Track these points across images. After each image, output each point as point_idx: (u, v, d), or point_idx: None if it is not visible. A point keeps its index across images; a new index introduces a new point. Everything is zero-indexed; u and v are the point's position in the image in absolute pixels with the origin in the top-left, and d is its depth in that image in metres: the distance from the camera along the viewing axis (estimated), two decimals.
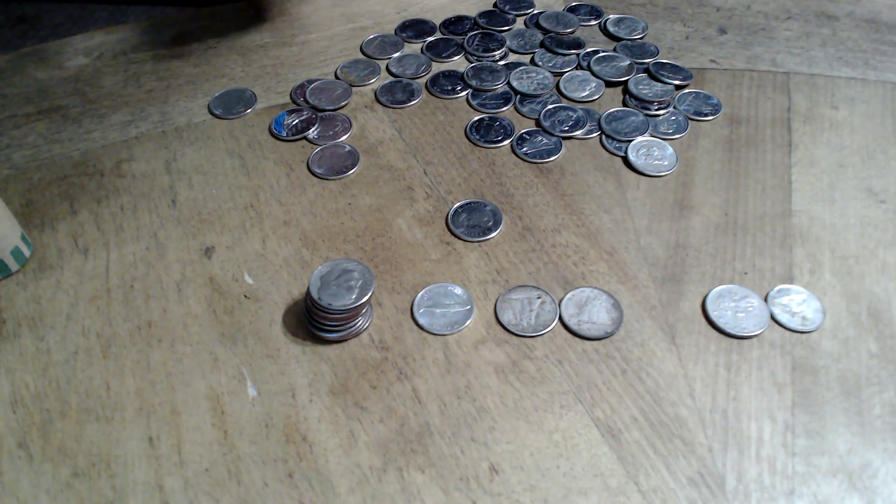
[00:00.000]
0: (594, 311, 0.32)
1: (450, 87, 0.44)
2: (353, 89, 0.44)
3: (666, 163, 0.39)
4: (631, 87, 0.43)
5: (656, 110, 0.42)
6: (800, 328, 0.31)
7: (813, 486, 0.26)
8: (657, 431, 0.28)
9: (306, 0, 0.51)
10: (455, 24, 0.49)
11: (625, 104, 0.43)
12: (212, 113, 0.42)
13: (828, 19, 0.50)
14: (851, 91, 0.44)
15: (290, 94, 0.43)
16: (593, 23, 0.50)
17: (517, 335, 0.31)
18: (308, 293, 0.30)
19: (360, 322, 0.31)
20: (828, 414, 0.29)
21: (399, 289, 0.33)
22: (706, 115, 0.42)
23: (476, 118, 0.42)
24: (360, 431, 0.28)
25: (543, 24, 0.49)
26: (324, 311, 0.29)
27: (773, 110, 0.42)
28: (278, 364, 0.30)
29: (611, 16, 0.50)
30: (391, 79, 0.45)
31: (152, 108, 0.42)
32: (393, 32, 0.48)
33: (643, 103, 0.42)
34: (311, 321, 0.30)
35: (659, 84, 0.43)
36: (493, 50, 0.46)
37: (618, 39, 0.48)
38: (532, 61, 0.46)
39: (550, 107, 0.42)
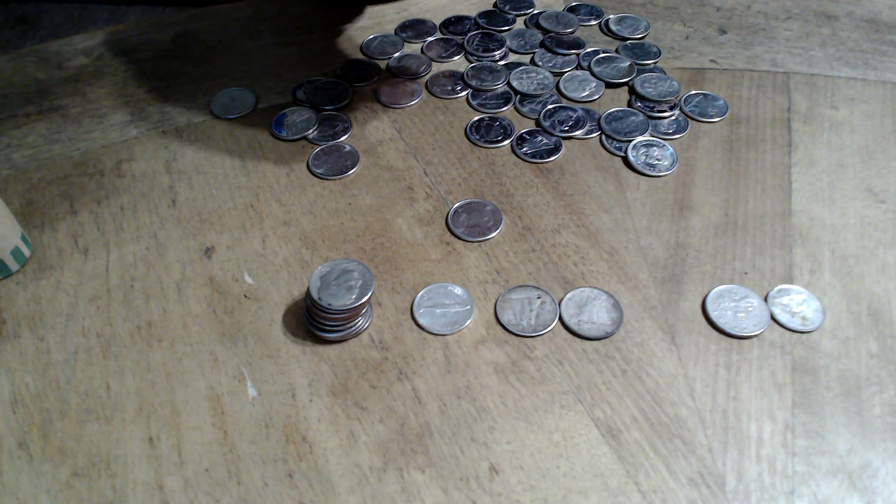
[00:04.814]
0: (594, 311, 0.32)
1: (450, 87, 0.44)
2: (354, 89, 0.44)
3: (666, 163, 0.39)
4: (637, 86, 0.43)
5: (661, 111, 0.42)
6: (800, 328, 0.31)
7: (813, 486, 0.26)
8: (657, 431, 0.28)
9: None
10: (455, 24, 0.49)
11: (629, 105, 0.43)
12: (212, 113, 0.42)
13: (828, 19, 0.50)
14: (851, 91, 0.44)
15: (291, 94, 0.43)
16: (593, 23, 0.50)
17: (517, 335, 0.31)
18: (308, 293, 0.30)
19: (360, 322, 0.31)
20: (828, 414, 0.29)
21: (399, 289, 0.33)
22: (712, 116, 0.42)
23: (476, 118, 0.42)
24: (360, 431, 0.28)
25: (543, 24, 0.49)
26: (324, 311, 0.29)
27: (773, 110, 0.42)
28: (278, 364, 0.30)
29: (611, 16, 0.50)
30: (391, 79, 0.45)
31: (152, 108, 0.42)
32: (393, 32, 0.48)
33: (648, 103, 0.42)
34: (311, 321, 0.30)
35: (664, 82, 0.43)
36: (493, 50, 0.46)
37: (620, 38, 0.48)
38: (532, 61, 0.46)
39: (550, 107, 0.42)
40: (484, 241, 0.35)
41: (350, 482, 0.26)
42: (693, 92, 0.43)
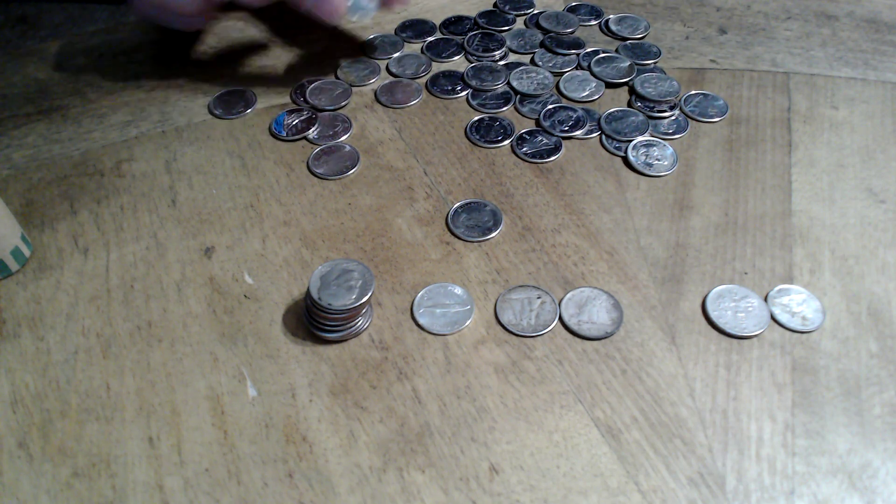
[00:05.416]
0: (594, 311, 0.32)
1: (450, 87, 0.44)
2: (353, 89, 0.44)
3: (666, 163, 0.39)
4: (637, 86, 0.43)
5: (661, 111, 0.42)
6: (800, 328, 0.31)
7: (813, 486, 0.26)
8: (657, 431, 0.28)
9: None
10: (455, 24, 0.49)
11: (630, 105, 0.43)
12: (212, 113, 0.42)
13: (828, 19, 0.50)
14: (851, 91, 0.44)
15: (290, 94, 0.43)
16: (593, 23, 0.50)
17: (517, 335, 0.31)
18: (308, 293, 0.30)
19: (360, 322, 0.31)
20: (828, 414, 0.29)
21: (399, 289, 0.33)
22: (711, 116, 0.42)
23: (476, 118, 0.42)
24: (360, 431, 0.28)
25: (543, 24, 0.49)
26: (324, 311, 0.29)
27: (773, 110, 0.42)
28: (278, 364, 0.30)
29: (611, 16, 0.50)
30: (391, 79, 0.45)
31: (152, 108, 0.42)
32: (393, 32, 0.48)
33: (648, 103, 0.42)
34: (311, 321, 0.30)
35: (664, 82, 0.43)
36: (493, 50, 0.46)
37: (620, 38, 0.48)
38: (532, 61, 0.46)
39: (550, 107, 0.42)
40: (484, 241, 0.35)
41: (350, 482, 0.27)
42: (693, 92, 0.43)
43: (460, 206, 0.37)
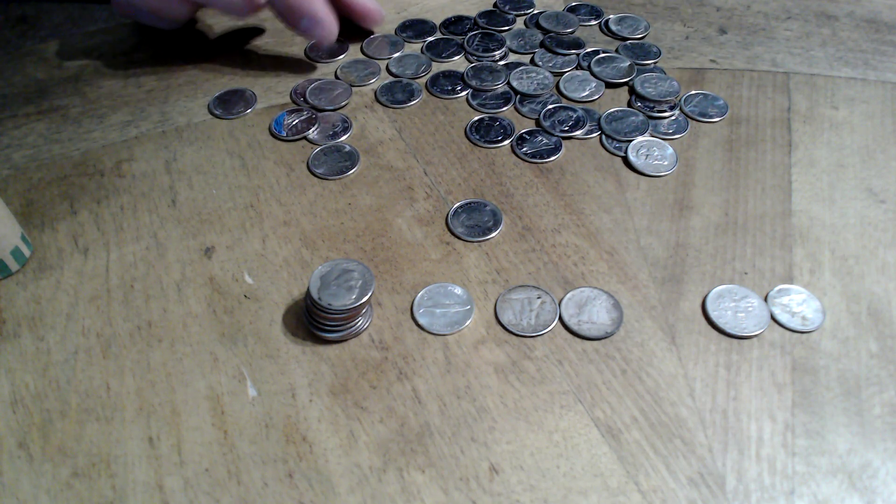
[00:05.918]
0: (594, 311, 0.32)
1: (450, 87, 0.44)
2: (353, 89, 0.44)
3: (666, 163, 0.39)
4: (637, 86, 0.43)
5: (661, 111, 0.42)
6: (800, 328, 0.31)
7: (813, 486, 0.26)
8: (657, 431, 0.28)
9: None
10: (455, 24, 0.49)
11: (629, 105, 0.43)
12: (212, 113, 0.42)
13: (828, 19, 0.50)
14: (851, 91, 0.44)
15: (290, 94, 0.43)
16: (593, 23, 0.50)
17: (517, 335, 0.31)
18: (308, 293, 0.30)
19: (360, 322, 0.31)
20: (828, 414, 0.29)
21: (399, 289, 0.33)
22: (712, 116, 0.42)
23: (476, 118, 0.42)
24: (360, 431, 0.28)
25: (543, 24, 0.49)
26: (324, 311, 0.29)
27: (773, 110, 0.42)
28: (278, 364, 0.30)
29: (611, 16, 0.50)
30: (391, 79, 0.45)
31: (152, 108, 0.42)
32: (393, 32, 0.48)
33: (648, 103, 0.42)
34: (311, 321, 0.31)
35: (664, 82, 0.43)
36: (493, 50, 0.46)
37: (620, 38, 0.48)
38: (532, 61, 0.46)
39: (550, 107, 0.42)
40: (484, 241, 0.35)
41: (350, 482, 0.27)
42: (693, 92, 0.43)
43: (460, 206, 0.37)
